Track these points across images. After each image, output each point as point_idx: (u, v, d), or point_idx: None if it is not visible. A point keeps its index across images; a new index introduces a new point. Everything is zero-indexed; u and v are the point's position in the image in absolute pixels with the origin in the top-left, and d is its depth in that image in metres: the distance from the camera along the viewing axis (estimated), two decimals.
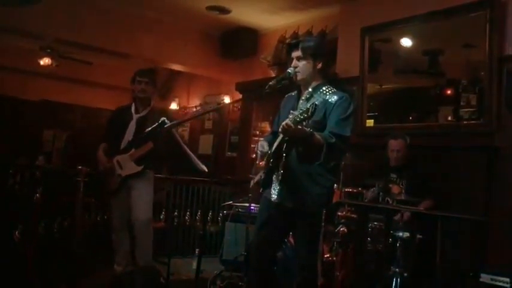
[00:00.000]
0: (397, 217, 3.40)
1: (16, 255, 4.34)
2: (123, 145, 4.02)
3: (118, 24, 6.38)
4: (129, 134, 4.03)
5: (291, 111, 2.62)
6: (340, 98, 2.79)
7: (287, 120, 2.56)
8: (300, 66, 2.85)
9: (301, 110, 2.57)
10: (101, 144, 4.11)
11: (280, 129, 2.65)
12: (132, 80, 4.15)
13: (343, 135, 2.71)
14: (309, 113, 2.48)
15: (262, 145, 2.91)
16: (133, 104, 4.16)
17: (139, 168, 3.93)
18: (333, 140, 2.65)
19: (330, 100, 2.78)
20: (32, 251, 4.11)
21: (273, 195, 2.82)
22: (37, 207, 4.12)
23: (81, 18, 6.11)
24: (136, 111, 4.11)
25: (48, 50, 7.49)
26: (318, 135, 2.63)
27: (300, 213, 2.78)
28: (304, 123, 2.54)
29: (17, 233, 4.53)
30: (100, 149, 4.08)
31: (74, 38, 6.32)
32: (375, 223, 3.39)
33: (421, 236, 3.26)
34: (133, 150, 3.94)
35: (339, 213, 3.20)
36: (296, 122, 2.52)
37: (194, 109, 6.80)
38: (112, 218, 4.16)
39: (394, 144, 3.99)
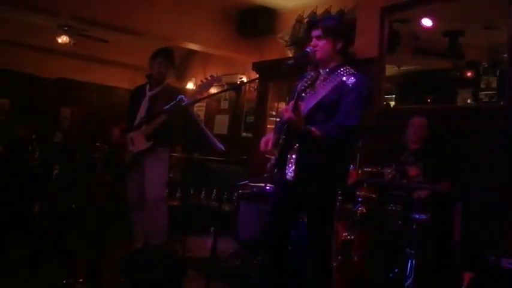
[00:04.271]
0: (416, 195, 3.39)
1: (35, 229, 4.43)
2: (136, 122, 4.10)
3: (135, 2, 6.36)
4: (142, 111, 4.13)
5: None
6: (356, 81, 2.75)
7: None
8: (319, 46, 2.81)
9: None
10: (121, 123, 4.20)
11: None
12: (154, 57, 4.19)
13: (349, 126, 2.68)
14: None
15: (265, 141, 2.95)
16: (147, 82, 4.25)
17: (149, 144, 4.00)
18: (334, 133, 2.64)
19: (346, 82, 2.75)
20: (50, 225, 4.19)
21: (288, 175, 2.81)
22: (55, 183, 4.19)
23: None
24: (150, 89, 4.19)
25: (66, 28, 7.51)
26: (317, 131, 2.63)
27: (315, 193, 2.78)
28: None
29: (36, 208, 4.63)
30: (118, 126, 4.16)
31: (91, 16, 6.32)
32: (391, 205, 3.38)
33: (437, 219, 3.24)
34: (144, 126, 4.02)
35: (358, 193, 3.19)
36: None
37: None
38: (127, 195, 4.23)
39: (416, 119, 3.96)
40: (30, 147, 5.64)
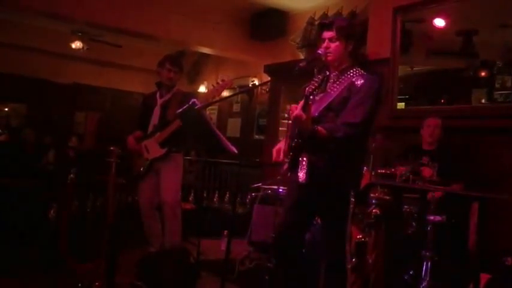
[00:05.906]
0: (430, 195, 3.37)
1: (50, 233, 4.48)
2: (149, 130, 4.13)
3: (148, 6, 6.41)
4: (155, 119, 4.15)
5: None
6: (365, 82, 2.73)
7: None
8: (332, 47, 2.80)
9: None
10: (135, 132, 4.22)
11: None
12: (161, 64, 4.19)
13: (354, 123, 2.65)
14: None
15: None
16: (157, 90, 4.25)
17: (163, 150, 4.02)
18: (341, 133, 2.62)
19: (355, 83, 2.75)
20: (65, 229, 4.23)
21: (300, 177, 2.80)
22: (71, 187, 4.23)
23: (111, 0, 6.16)
24: (161, 96, 4.20)
25: (80, 34, 7.60)
26: (323, 131, 2.61)
27: (327, 195, 2.77)
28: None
29: (52, 211, 4.68)
30: (132, 135, 4.19)
31: (104, 21, 6.38)
32: (405, 206, 3.36)
33: (453, 220, 3.21)
34: (158, 133, 4.04)
35: (372, 194, 3.17)
36: None
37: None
38: (140, 201, 4.25)
39: (432, 120, 3.94)
40: (40, 151, 5.73)
